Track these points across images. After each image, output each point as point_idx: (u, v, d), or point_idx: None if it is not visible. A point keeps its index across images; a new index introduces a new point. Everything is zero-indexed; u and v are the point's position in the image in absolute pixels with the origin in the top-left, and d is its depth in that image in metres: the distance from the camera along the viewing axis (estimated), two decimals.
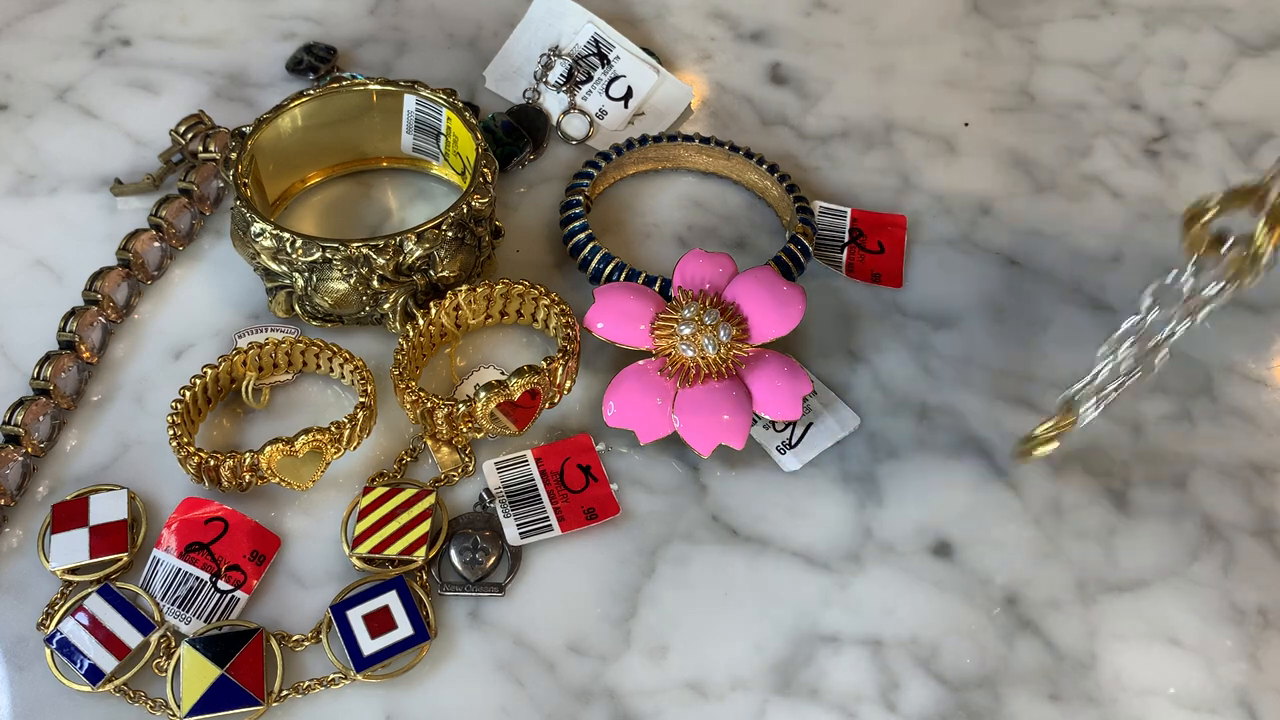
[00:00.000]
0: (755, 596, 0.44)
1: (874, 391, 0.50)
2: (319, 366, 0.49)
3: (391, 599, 0.42)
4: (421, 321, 0.48)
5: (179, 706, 0.40)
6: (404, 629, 0.42)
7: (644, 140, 0.56)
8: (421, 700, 0.41)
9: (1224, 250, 0.39)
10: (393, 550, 0.43)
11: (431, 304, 0.48)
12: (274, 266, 0.48)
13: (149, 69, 0.61)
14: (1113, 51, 0.65)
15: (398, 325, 0.49)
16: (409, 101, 0.53)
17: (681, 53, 0.63)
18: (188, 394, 0.46)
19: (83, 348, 0.48)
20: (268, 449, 0.43)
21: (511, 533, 0.45)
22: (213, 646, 0.41)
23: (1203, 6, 0.67)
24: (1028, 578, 0.45)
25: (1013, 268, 0.54)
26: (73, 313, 0.48)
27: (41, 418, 0.46)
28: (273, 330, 0.50)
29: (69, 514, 0.44)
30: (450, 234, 0.48)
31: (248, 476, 0.44)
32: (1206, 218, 0.39)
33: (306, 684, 0.41)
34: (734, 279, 0.49)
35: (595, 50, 0.59)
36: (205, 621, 0.42)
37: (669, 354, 0.47)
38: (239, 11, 0.64)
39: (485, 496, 0.46)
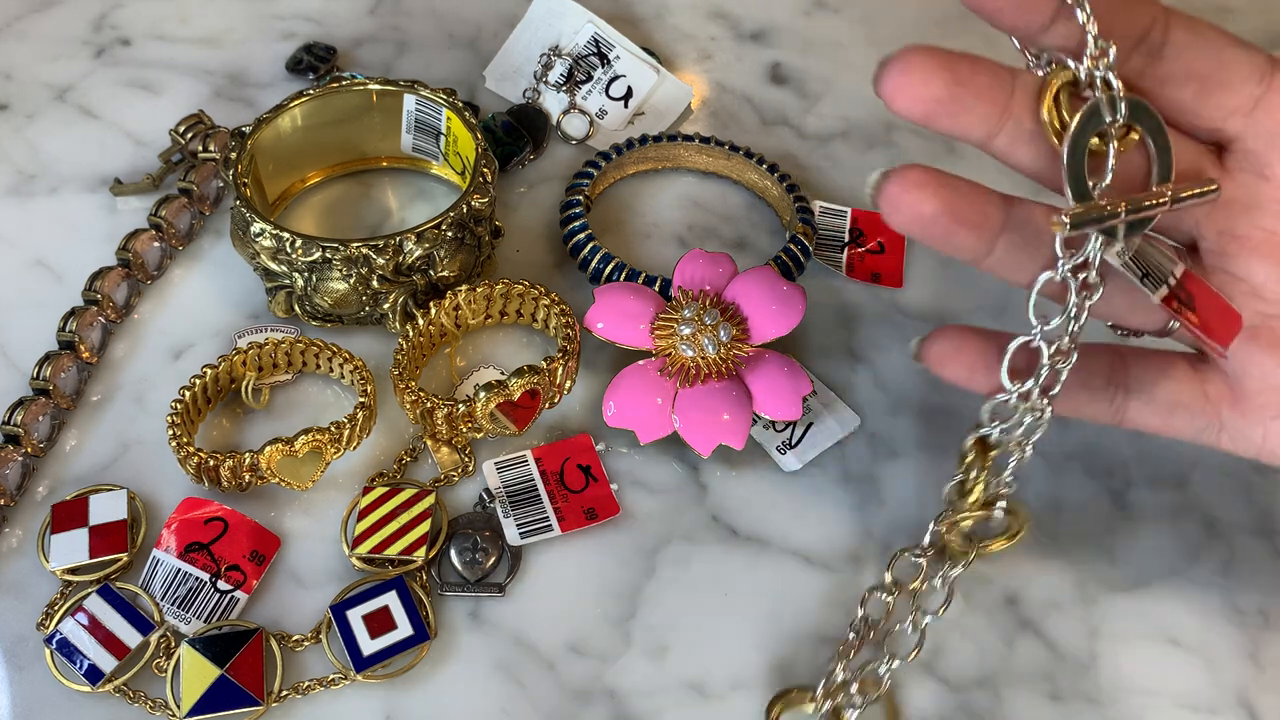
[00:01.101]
0: (755, 596, 0.44)
1: (874, 391, 0.50)
2: (319, 366, 0.49)
3: (391, 599, 0.42)
4: (421, 321, 0.48)
5: (179, 706, 0.40)
6: (404, 629, 0.42)
7: (644, 140, 0.56)
8: (421, 700, 0.41)
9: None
10: (393, 550, 0.43)
11: (431, 304, 0.48)
12: (274, 266, 0.48)
13: (149, 69, 0.61)
14: None
15: (398, 325, 0.49)
16: (409, 101, 0.53)
17: (681, 53, 0.63)
18: (188, 394, 0.46)
19: (82, 348, 0.48)
20: (268, 449, 0.43)
21: (511, 533, 0.45)
22: (212, 646, 0.41)
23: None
24: (1028, 578, 0.45)
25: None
26: (72, 313, 0.48)
27: (41, 418, 0.46)
28: (273, 330, 0.50)
29: (69, 514, 0.44)
30: (450, 234, 0.48)
31: (248, 476, 0.44)
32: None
33: (306, 684, 0.41)
34: (734, 279, 0.49)
35: (595, 50, 0.59)
36: (205, 621, 0.42)
37: (669, 354, 0.47)
38: (239, 11, 0.64)
39: (485, 496, 0.46)
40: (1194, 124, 0.37)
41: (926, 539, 0.42)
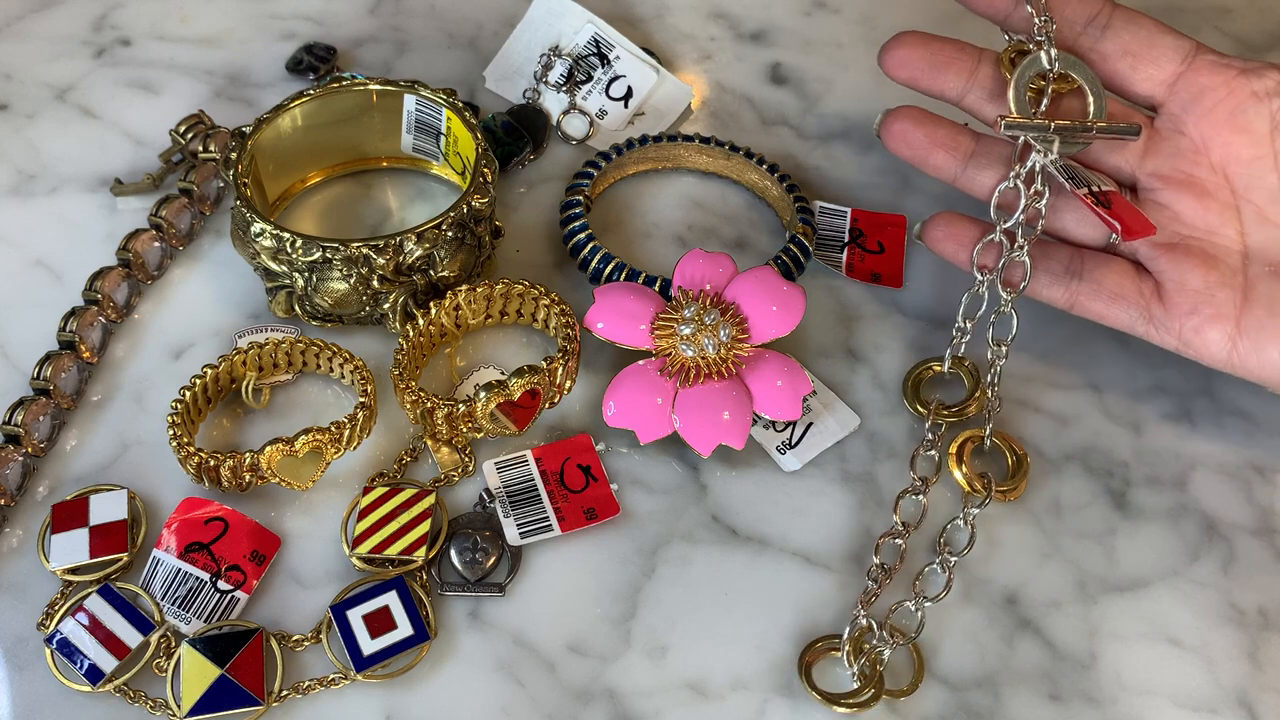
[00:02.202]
0: (755, 596, 0.44)
1: (874, 391, 0.50)
2: (319, 366, 0.49)
3: (391, 599, 0.42)
4: (421, 321, 0.48)
5: (179, 706, 0.40)
6: (404, 629, 0.42)
7: (644, 140, 0.56)
8: (421, 700, 0.41)
9: None
10: (393, 550, 0.43)
11: (431, 304, 0.48)
12: (274, 266, 0.48)
13: (149, 69, 0.61)
14: None
15: (398, 325, 0.49)
16: (409, 101, 0.53)
17: (681, 53, 0.63)
18: (188, 394, 0.46)
19: (83, 348, 0.48)
20: (268, 449, 0.43)
21: (511, 533, 0.45)
22: (213, 646, 0.41)
23: (1203, 6, 0.67)
24: (1028, 578, 0.45)
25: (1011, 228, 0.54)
26: (73, 313, 0.48)
27: (41, 418, 0.46)
28: (273, 330, 0.50)
29: (69, 514, 0.44)
30: (450, 234, 0.48)
31: (248, 476, 0.44)
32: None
33: (306, 684, 0.41)
34: (734, 279, 0.49)
35: (595, 50, 0.59)
36: (205, 621, 0.42)
37: (669, 354, 0.47)
38: (239, 11, 0.64)
39: (485, 496, 0.46)
40: (1131, 89, 0.49)
41: (914, 471, 0.47)
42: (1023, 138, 0.47)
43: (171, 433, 0.44)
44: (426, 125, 0.54)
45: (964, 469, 0.47)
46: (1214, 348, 0.46)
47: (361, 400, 0.46)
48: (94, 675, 0.40)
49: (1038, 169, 0.47)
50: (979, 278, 0.48)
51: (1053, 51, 0.47)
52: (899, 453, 0.48)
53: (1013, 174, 0.47)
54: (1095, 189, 0.46)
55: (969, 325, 0.49)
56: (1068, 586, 0.45)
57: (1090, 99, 0.47)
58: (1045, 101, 0.47)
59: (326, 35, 0.63)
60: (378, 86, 0.53)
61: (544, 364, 0.45)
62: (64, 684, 0.41)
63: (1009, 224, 0.47)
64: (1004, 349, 0.47)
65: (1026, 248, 0.47)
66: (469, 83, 0.61)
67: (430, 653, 0.42)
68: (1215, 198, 0.47)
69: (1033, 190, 0.47)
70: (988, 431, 0.47)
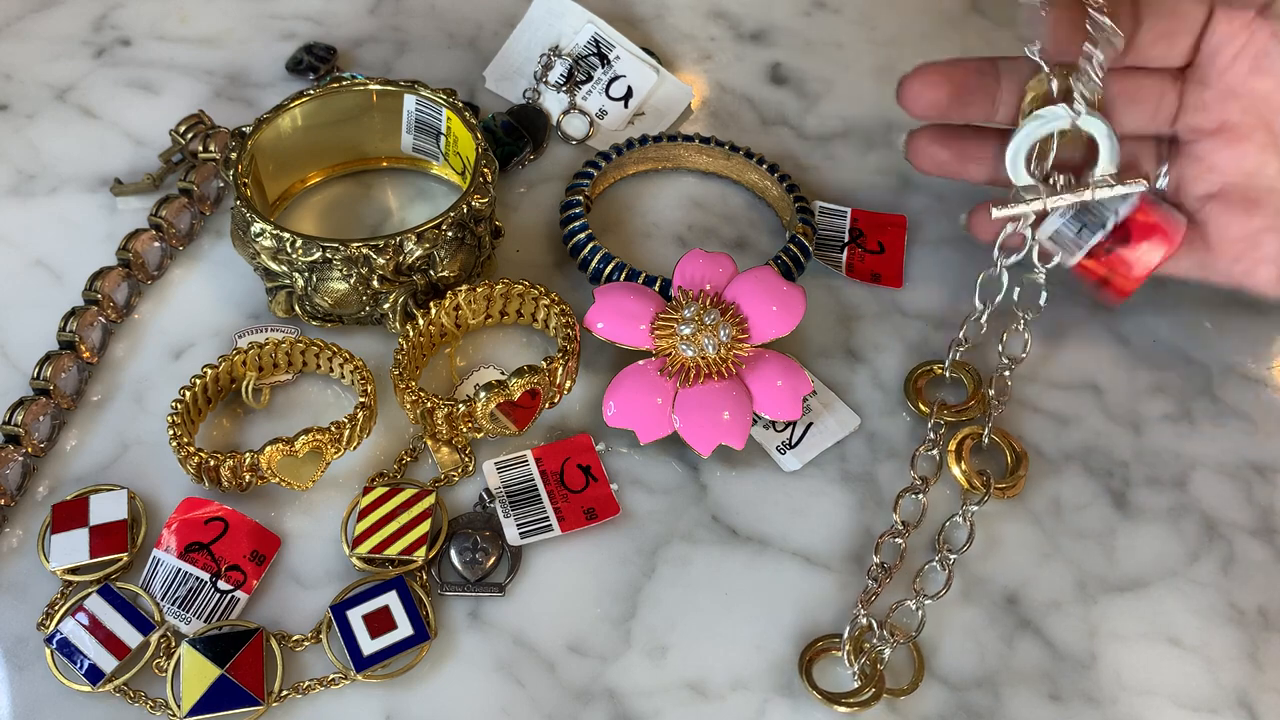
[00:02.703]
0: (755, 596, 0.44)
1: (874, 391, 0.50)
2: (319, 366, 0.49)
3: (391, 599, 0.42)
4: (421, 321, 0.48)
5: (179, 706, 0.40)
6: (404, 629, 0.42)
7: (644, 140, 0.56)
8: (421, 700, 0.41)
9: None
10: (393, 550, 0.43)
11: (431, 304, 0.48)
12: (274, 266, 0.48)
13: (149, 69, 0.61)
14: None
15: (398, 325, 0.49)
16: (409, 101, 0.53)
17: (681, 53, 0.63)
18: (188, 394, 0.46)
19: (83, 348, 0.48)
20: (268, 449, 0.43)
21: (511, 533, 0.45)
22: (213, 646, 0.41)
23: None
24: (1028, 578, 0.45)
25: (1013, 267, 0.54)
26: (73, 313, 0.48)
27: (41, 418, 0.46)
28: (273, 330, 0.50)
29: (69, 514, 0.44)
30: (450, 234, 0.48)
31: (248, 476, 0.44)
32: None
33: (306, 684, 0.41)
34: (734, 279, 0.49)
35: (595, 50, 0.59)
36: (205, 621, 0.42)
37: (669, 354, 0.47)
38: (239, 11, 0.64)
39: (485, 496, 0.46)
40: (1161, 65, 0.48)
41: (913, 470, 0.47)
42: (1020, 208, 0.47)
43: (171, 433, 0.44)
44: (426, 125, 0.54)
45: (963, 466, 0.47)
46: (1266, 284, 0.48)
47: (361, 400, 0.46)
48: (94, 675, 0.40)
49: (1037, 239, 0.48)
50: (997, 259, 0.48)
51: (1080, 110, 0.46)
52: (899, 453, 0.48)
53: (1014, 226, 0.48)
54: (1110, 226, 0.47)
55: (968, 334, 0.49)
56: (1068, 586, 0.45)
57: (1102, 152, 0.47)
58: (1049, 163, 0.47)
59: (326, 35, 0.63)
60: (378, 86, 0.53)
61: (544, 364, 0.45)
62: (64, 684, 0.41)
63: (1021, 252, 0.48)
64: (1013, 366, 0.48)
65: (1044, 276, 0.48)
66: (469, 83, 0.61)
67: (430, 653, 0.42)
68: (1251, 140, 0.47)
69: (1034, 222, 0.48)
70: (986, 429, 0.47)
